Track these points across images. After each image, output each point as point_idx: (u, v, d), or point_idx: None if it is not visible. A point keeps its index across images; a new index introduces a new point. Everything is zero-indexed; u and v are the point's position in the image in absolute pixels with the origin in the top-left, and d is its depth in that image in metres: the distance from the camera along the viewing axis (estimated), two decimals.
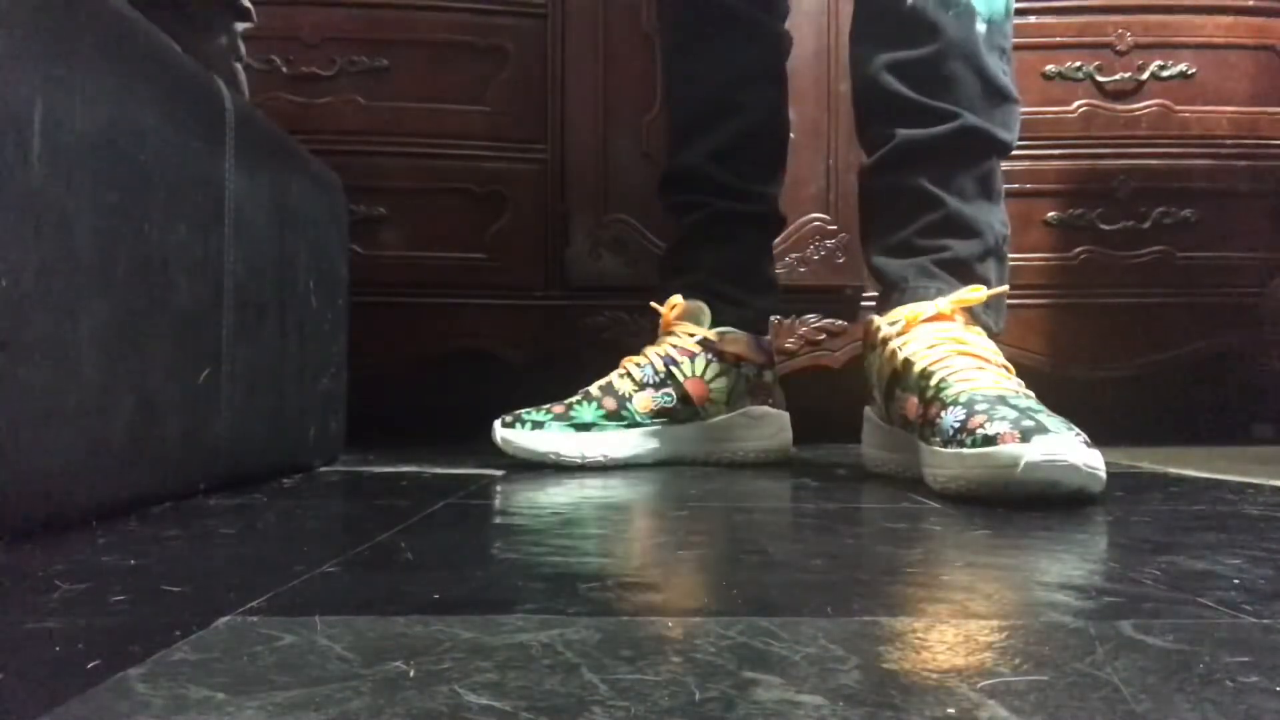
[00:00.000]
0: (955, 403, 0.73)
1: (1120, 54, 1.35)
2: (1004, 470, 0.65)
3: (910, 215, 0.87)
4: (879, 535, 0.56)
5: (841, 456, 1.05)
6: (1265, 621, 0.34)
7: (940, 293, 0.83)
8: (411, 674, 0.27)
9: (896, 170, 0.88)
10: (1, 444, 0.47)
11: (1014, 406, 0.69)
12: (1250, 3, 1.36)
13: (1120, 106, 1.35)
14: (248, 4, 0.91)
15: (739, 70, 1.03)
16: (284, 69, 1.27)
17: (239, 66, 0.90)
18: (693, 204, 1.04)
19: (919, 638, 0.32)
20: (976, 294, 0.81)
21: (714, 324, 1.02)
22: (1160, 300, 1.35)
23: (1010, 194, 1.35)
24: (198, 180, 0.67)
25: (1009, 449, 0.65)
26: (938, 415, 0.74)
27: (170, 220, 0.63)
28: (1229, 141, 1.35)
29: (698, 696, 0.25)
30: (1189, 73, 1.34)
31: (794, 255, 1.31)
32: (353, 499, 0.74)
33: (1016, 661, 0.29)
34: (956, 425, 0.70)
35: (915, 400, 0.78)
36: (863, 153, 0.95)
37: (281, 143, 0.86)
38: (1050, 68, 1.34)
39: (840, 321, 1.33)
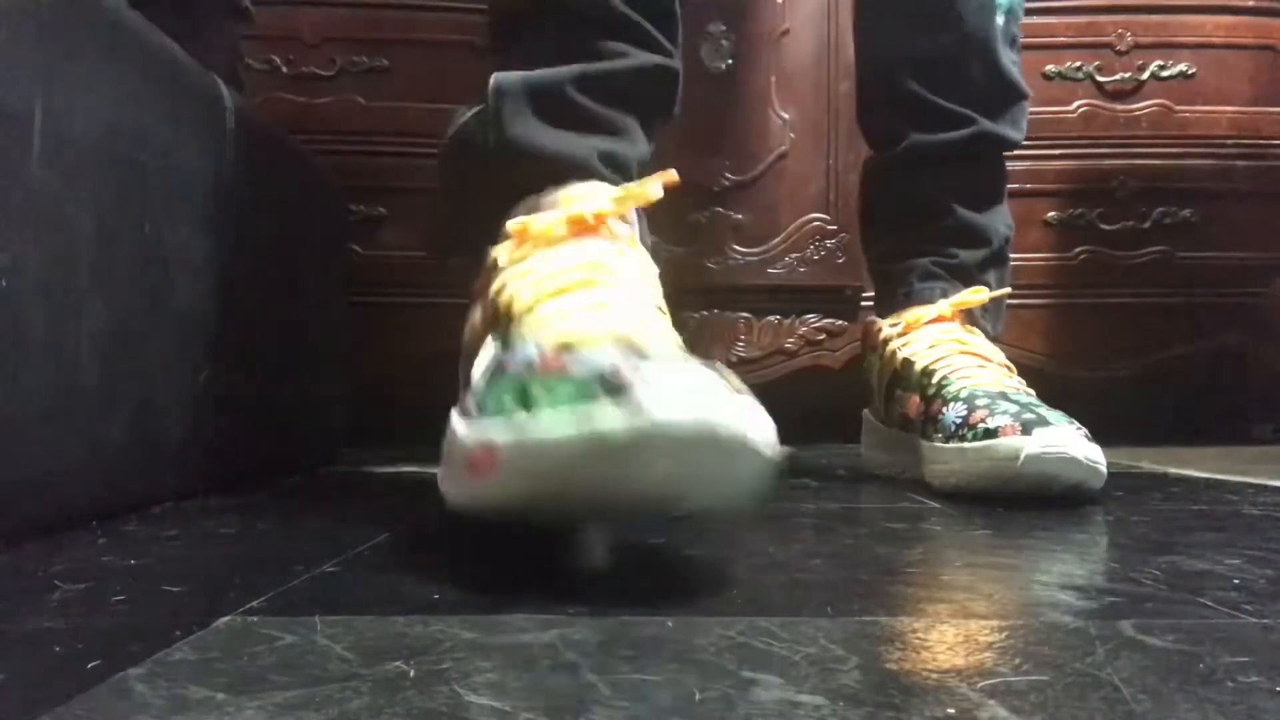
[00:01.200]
0: (956, 399, 0.73)
1: (1120, 54, 1.35)
2: (1005, 463, 0.65)
3: (917, 222, 0.86)
4: (879, 535, 0.56)
5: (841, 456, 1.05)
6: (1265, 621, 0.34)
7: (943, 294, 0.83)
8: (411, 674, 0.27)
9: (905, 175, 0.87)
10: (1, 444, 0.47)
11: (1015, 401, 0.70)
12: (1250, 3, 1.35)
13: (1120, 106, 1.35)
14: (247, 4, 0.91)
15: None
16: (284, 69, 1.27)
17: (239, 66, 0.90)
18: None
19: (919, 638, 0.32)
20: (978, 296, 0.81)
21: None
22: (1160, 300, 1.35)
23: (1010, 194, 1.34)
24: (198, 180, 0.67)
25: (1010, 441, 0.65)
26: (939, 412, 0.74)
27: (170, 220, 0.63)
28: (1229, 141, 1.35)
29: (698, 696, 0.25)
30: (1189, 73, 1.34)
31: (794, 255, 1.31)
32: (353, 499, 0.74)
33: (1016, 661, 0.29)
34: (958, 420, 0.71)
35: (917, 399, 0.78)
36: (863, 147, 0.94)
37: (281, 143, 0.86)
38: (1050, 68, 1.34)
39: (840, 321, 1.33)
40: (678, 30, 0.62)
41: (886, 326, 0.84)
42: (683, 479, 0.36)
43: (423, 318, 1.28)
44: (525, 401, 0.39)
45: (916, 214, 0.86)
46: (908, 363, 0.80)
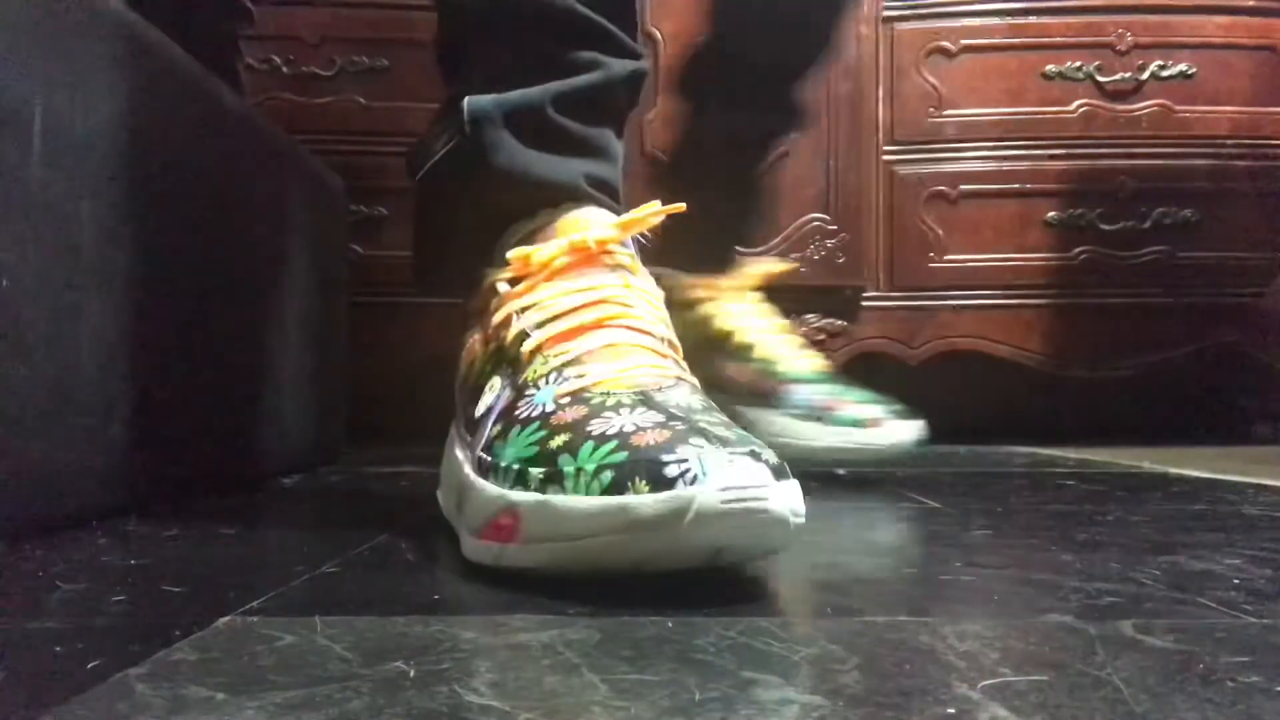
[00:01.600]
0: (799, 380, 0.85)
1: (1120, 54, 1.35)
2: (887, 448, 0.81)
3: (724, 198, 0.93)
4: (879, 535, 0.56)
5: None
6: (1265, 621, 0.34)
7: (740, 265, 0.92)
8: (411, 674, 0.27)
9: (722, 153, 0.92)
10: (2, 444, 0.47)
11: (852, 388, 0.84)
12: (1250, 3, 1.36)
13: (1120, 106, 1.35)
14: (247, 4, 0.91)
15: None
16: (284, 69, 1.27)
17: (239, 66, 0.90)
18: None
19: (919, 638, 0.32)
20: (779, 268, 0.94)
21: None
22: (1161, 300, 1.35)
23: (1010, 194, 1.35)
24: (197, 180, 0.67)
25: (887, 430, 0.81)
26: (777, 389, 0.84)
27: (170, 220, 0.63)
28: (1229, 141, 1.35)
29: (698, 696, 0.25)
30: (1189, 73, 1.34)
31: (794, 255, 1.31)
32: (353, 499, 0.74)
33: (1016, 661, 0.29)
34: (813, 402, 0.83)
35: (744, 368, 0.87)
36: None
37: (281, 143, 0.86)
38: (1050, 68, 1.34)
39: (840, 321, 1.33)
40: (638, 26, 0.60)
41: (697, 289, 0.90)
42: (713, 554, 0.37)
43: (423, 318, 1.28)
44: (545, 458, 0.39)
45: (722, 192, 0.92)
46: (723, 332, 0.88)
